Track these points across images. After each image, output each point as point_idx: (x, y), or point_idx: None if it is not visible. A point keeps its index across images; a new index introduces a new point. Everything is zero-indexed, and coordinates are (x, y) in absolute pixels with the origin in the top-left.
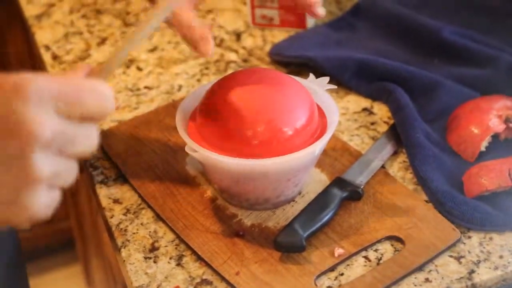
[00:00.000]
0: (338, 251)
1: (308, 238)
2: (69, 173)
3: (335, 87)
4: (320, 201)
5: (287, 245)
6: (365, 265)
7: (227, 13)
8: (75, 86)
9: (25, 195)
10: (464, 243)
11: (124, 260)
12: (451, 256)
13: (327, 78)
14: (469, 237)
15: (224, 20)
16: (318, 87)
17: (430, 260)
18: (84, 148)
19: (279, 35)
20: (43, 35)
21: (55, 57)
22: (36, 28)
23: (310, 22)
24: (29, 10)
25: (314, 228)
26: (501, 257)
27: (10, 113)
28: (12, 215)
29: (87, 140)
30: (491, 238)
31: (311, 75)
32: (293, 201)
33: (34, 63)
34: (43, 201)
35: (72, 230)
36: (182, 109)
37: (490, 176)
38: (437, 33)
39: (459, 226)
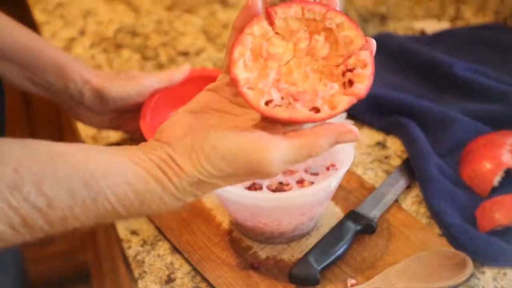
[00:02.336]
0: (351, 281)
1: (322, 271)
2: None
3: (352, 122)
4: (334, 234)
5: (302, 277)
6: None
7: None
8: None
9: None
10: (478, 278)
11: None
12: None
13: (344, 114)
14: (483, 272)
15: None
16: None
17: None
18: None
19: None
20: None
21: None
22: None
23: None
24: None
25: (328, 261)
26: None
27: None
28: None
29: None
30: (505, 274)
31: None
32: (309, 235)
33: None
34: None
35: (89, 263)
36: None
37: (503, 211)
38: (449, 68)
39: (473, 261)
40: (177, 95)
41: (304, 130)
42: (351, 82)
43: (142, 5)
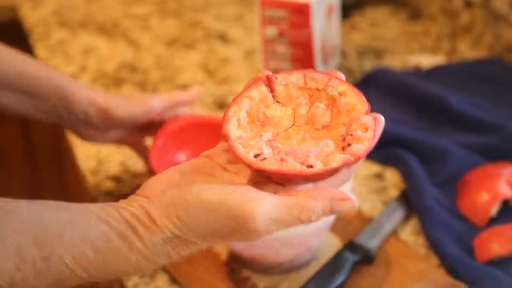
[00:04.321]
0: None
1: None
2: None
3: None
4: (332, 265)
5: None
6: None
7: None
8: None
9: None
10: None
11: None
12: None
13: None
14: None
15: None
16: None
17: None
18: None
19: None
20: None
21: None
22: None
23: None
24: None
25: None
26: None
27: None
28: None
29: None
30: None
31: None
32: (309, 266)
33: (56, 131)
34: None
35: None
36: None
37: (501, 242)
38: (445, 102)
39: None
40: (188, 138)
41: (297, 190)
42: (350, 145)
43: (142, 41)
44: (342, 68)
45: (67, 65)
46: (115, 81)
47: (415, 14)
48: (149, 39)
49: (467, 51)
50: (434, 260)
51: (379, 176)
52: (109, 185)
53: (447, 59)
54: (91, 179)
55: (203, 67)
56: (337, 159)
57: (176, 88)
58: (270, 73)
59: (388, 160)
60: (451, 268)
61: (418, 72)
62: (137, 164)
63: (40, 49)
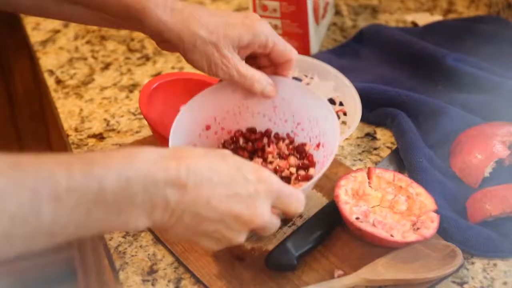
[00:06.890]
0: (338, 272)
1: (303, 257)
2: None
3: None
4: (314, 221)
5: (279, 263)
6: None
7: None
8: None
9: (254, 206)
10: (467, 269)
11: (122, 283)
12: (454, 282)
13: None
14: (473, 263)
15: None
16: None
17: (433, 286)
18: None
19: None
20: (47, 61)
21: (58, 81)
22: (41, 53)
23: (314, 49)
24: (35, 37)
25: (307, 248)
26: (505, 283)
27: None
28: (249, 214)
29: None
30: (495, 264)
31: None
32: (294, 224)
33: (39, 88)
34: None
35: (74, 260)
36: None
37: (494, 202)
38: (441, 60)
39: (463, 252)
40: (170, 91)
41: None
42: (419, 229)
43: None
44: (335, 26)
45: (51, 21)
46: (99, 38)
47: None
48: None
49: (464, 9)
50: None
51: (371, 136)
52: (91, 143)
53: (444, 18)
54: (73, 137)
55: None
56: (412, 236)
57: None
58: (372, 167)
59: (380, 120)
60: (443, 228)
61: (414, 29)
62: (120, 122)
63: None
